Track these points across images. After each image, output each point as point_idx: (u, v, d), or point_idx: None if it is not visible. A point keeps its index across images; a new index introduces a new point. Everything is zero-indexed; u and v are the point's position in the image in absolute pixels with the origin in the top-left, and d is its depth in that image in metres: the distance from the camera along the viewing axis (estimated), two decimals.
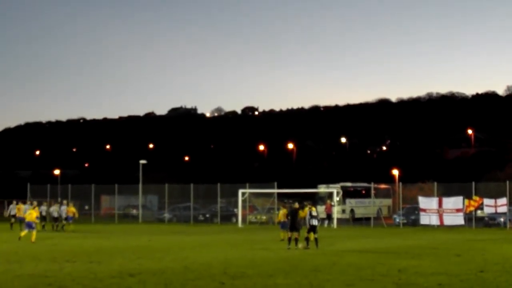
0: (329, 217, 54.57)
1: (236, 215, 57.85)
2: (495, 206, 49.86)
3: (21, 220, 43.40)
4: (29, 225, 33.92)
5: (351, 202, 62.66)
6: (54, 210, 47.88)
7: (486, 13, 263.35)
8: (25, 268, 19.64)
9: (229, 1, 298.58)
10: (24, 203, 50.00)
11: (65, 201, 50.00)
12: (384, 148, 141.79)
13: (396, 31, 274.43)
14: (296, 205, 30.23)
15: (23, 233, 34.07)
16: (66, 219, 46.88)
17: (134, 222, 61.00)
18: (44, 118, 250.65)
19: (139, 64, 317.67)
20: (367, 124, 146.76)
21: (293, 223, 28.72)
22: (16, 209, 47.86)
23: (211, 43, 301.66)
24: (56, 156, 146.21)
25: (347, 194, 62.17)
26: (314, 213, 28.89)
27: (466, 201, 50.20)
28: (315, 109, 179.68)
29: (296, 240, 28.40)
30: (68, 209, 47.24)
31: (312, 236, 28.33)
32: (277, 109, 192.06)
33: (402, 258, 23.47)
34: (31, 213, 35.31)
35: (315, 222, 28.43)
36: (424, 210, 51.65)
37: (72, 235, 40.12)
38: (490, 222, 51.30)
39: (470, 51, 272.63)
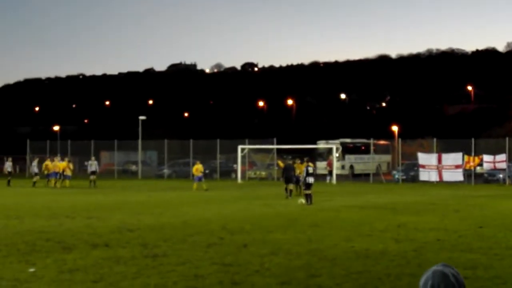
0: (331, 172, 54.28)
1: (235, 171, 57.94)
2: (494, 162, 49.79)
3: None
4: (199, 178, 40.62)
5: (350, 158, 62.71)
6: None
7: None
8: (25, 224, 19.65)
9: None
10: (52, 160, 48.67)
11: (56, 158, 49.07)
12: (384, 104, 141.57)
13: None
14: (293, 161, 34.16)
15: (195, 186, 40.26)
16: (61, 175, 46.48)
17: (134, 178, 61.09)
18: (43, 74, 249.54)
19: (139, 20, 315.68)
20: (367, 80, 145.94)
21: (288, 176, 32.74)
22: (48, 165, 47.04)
23: None
24: (56, 112, 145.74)
25: (346, 150, 62.17)
26: (311, 171, 29.13)
27: (466, 157, 50.14)
28: (314, 65, 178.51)
29: (291, 191, 32.09)
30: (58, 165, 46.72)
31: (307, 192, 28.42)
32: (276, 65, 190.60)
33: (401, 214, 23.51)
34: (198, 168, 41.57)
35: (311, 180, 28.58)
36: (423, 166, 51.57)
37: (71, 191, 40.20)
38: (489, 178, 51.18)
39: (471, 7, 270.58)
